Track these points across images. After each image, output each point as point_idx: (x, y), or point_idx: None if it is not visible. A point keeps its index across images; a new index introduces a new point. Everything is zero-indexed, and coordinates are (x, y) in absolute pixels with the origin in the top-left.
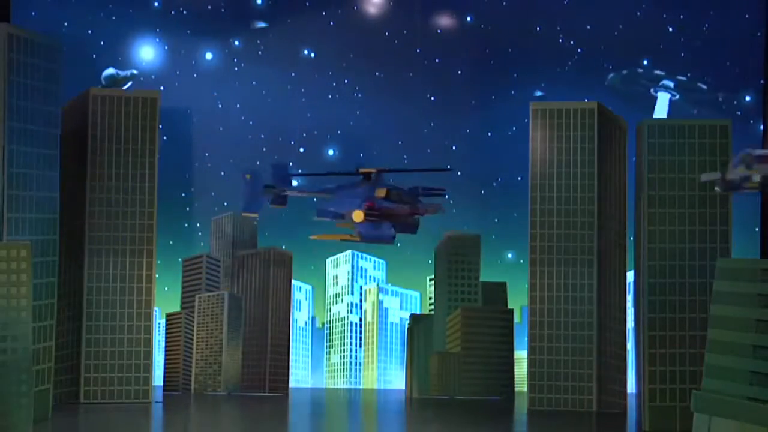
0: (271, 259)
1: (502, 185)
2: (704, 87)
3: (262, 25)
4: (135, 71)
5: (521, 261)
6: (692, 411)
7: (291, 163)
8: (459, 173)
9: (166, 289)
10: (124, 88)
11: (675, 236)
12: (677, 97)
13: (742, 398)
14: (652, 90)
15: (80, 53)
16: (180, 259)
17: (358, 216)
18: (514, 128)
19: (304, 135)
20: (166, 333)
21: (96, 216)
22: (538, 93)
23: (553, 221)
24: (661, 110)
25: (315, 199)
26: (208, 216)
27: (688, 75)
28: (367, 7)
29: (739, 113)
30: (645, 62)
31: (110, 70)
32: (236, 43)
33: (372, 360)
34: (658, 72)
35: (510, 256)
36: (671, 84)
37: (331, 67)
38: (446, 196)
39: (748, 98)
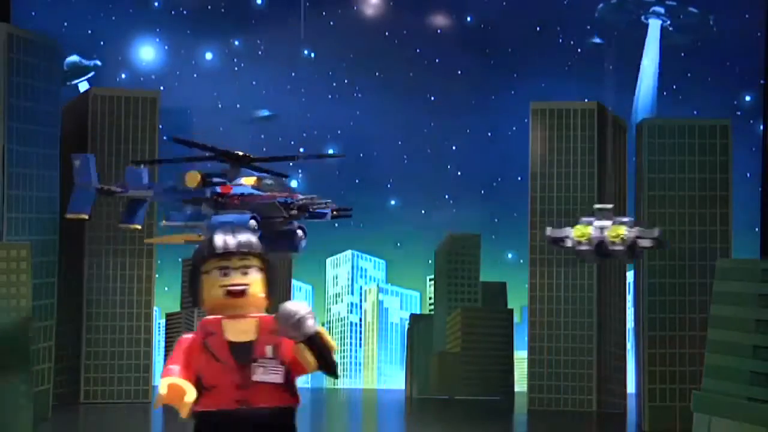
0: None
1: (502, 185)
2: (695, 11)
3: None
4: (99, 63)
5: (521, 261)
6: (692, 411)
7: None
8: (459, 173)
9: (166, 289)
10: (86, 78)
11: (675, 236)
12: (668, 22)
13: (742, 398)
14: (642, 17)
15: (80, 53)
16: (180, 259)
17: (192, 178)
18: (514, 128)
19: (304, 135)
20: (166, 333)
21: (96, 216)
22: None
23: (553, 221)
24: (653, 38)
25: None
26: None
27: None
28: (366, 8)
29: (739, 113)
30: (645, 62)
31: (74, 58)
32: (236, 43)
33: (372, 360)
34: None
35: (510, 256)
36: (662, 10)
37: (331, 67)
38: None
39: (748, 98)
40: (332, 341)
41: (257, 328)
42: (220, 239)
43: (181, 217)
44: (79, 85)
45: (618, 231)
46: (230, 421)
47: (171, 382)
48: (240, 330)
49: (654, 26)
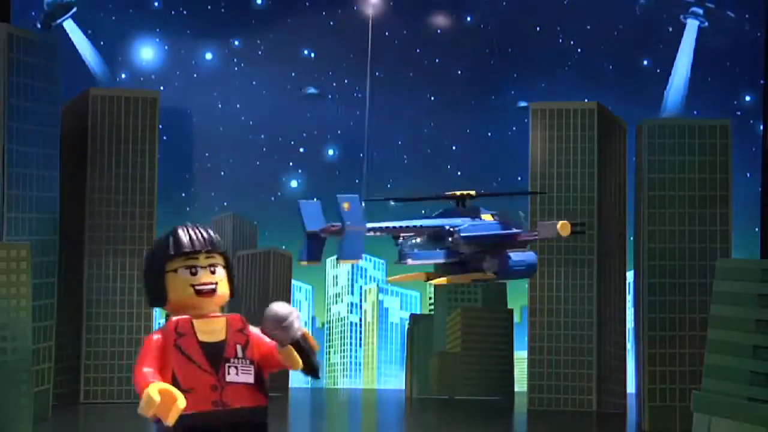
0: (271, 259)
1: (502, 185)
2: (732, 15)
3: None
4: (75, 8)
5: None
6: (692, 411)
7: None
8: (459, 173)
9: None
10: (70, 15)
11: (675, 236)
12: (706, 24)
13: (742, 398)
14: (681, 17)
15: (80, 53)
16: None
17: (564, 228)
18: (514, 128)
19: (305, 135)
20: None
21: (96, 216)
22: (522, 103)
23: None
24: (689, 38)
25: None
26: (208, 216)
27: (716, 3)
28: (366, 8)
29: (739, 113)
30: (645, 62)
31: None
32: (236, 43)
33: (372, 360)
34: None
35: None
36: (701, 11)
37: (331, 67)
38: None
39: (748, 98)
40: (315, 342)
41: (226, 327)
42: (185, 237)
43: (423, 256)
44: (65, 24)
45: None
46: (206, 423)
47: (162, 388)
48: (210, 330)
49: (691, 27)
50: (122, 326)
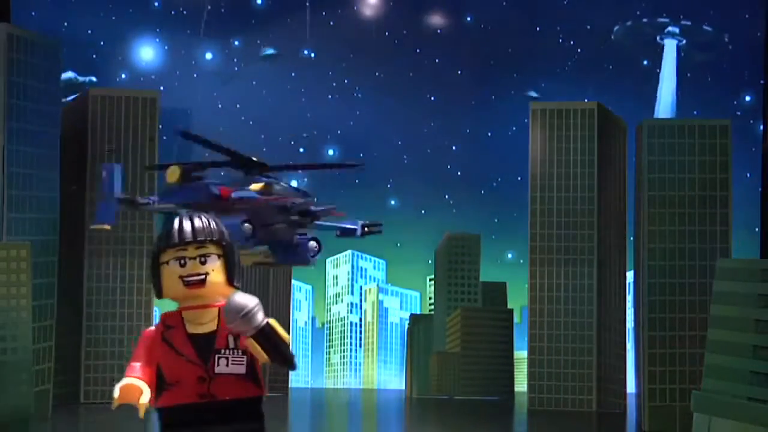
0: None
1: (502, 185)
2: (710, 29)
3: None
4: (94, 79)
5: (521, 261)
6: (692, 411)
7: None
8: (459, 173)
9: None
10: (73, 96)
11: (675, 236)
12: (684, 42)
13: (742, 398)
14: (658, 38)
15: (80, 53)
16: None
17: (172, 173)
18: (514, 128)
19: (305, 135)
20: None
21: (96, 216)
22: (533, 93)
23: (553, 221)
24: (669, 58)
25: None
26: None
27: (691, 20)
28: (366, 8)
29: (739, 113)
30: (645, 62)
31: (69, 74)
32: (236, 43)
33: (372, 360)
34: (662, 20)
35: (510, 256)
36: (677, 30)
37: (331, 67)
38: (380, 232)
39: (748, 98)
40: (285, 333)
41: (218, 317)
42: (176, 228)
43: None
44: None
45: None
46: (195, 415)
47: (124, 384)
48: (200, 321)
49: (670, 47)
50: (122, 326)
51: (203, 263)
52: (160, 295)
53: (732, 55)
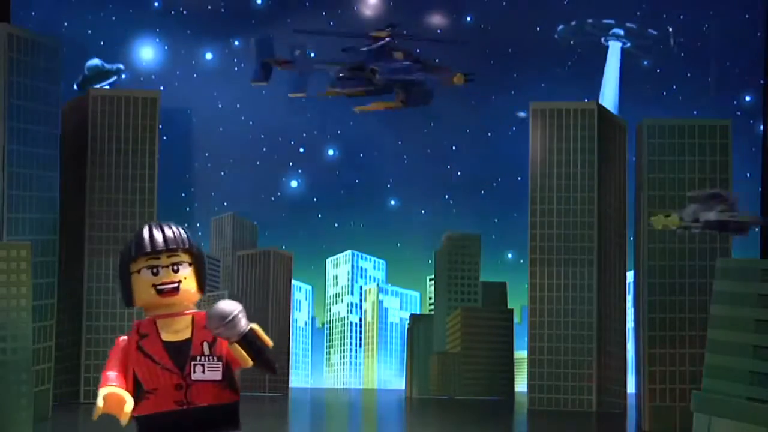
0: (271, 259)
1: (502, 185)
2: (654, 33)
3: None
4: (122, 66)
5: (521, 261)
6: (692, 411)
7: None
8: (459, 173)
9: None
10: (108, 82)
11: (675, 236)
12: (628, 44)
13: (742, 398)
14: (602, 39)
15: (80, 53)
16: None
17: (459, 79)
18: (514, 128)
19: (304, 135)
20: None
21: (96, 216)
22: (522, 114)
23: (553, 221)
24: (613, 60)
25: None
26: (208, 216)
27: (637, 23)
28: (366, 8)
29: (739, 113)
30: (645, 63)
31: (95, 61)
32: (236, 43)
33: (372, 360)
34: (607, 21)
35: (510, 256)
36: (621, 32)
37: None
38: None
39: (748, 98)
40: (267, 338)
41: (192, 325)
42: (146, 237)
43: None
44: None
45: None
46: (173, 423)
47: (108, 392)
48: (175, 329)
49: (614, 48)
50: (122, 326)
51: (176, 271)
52: (130, 304)
53: (732, 55)
